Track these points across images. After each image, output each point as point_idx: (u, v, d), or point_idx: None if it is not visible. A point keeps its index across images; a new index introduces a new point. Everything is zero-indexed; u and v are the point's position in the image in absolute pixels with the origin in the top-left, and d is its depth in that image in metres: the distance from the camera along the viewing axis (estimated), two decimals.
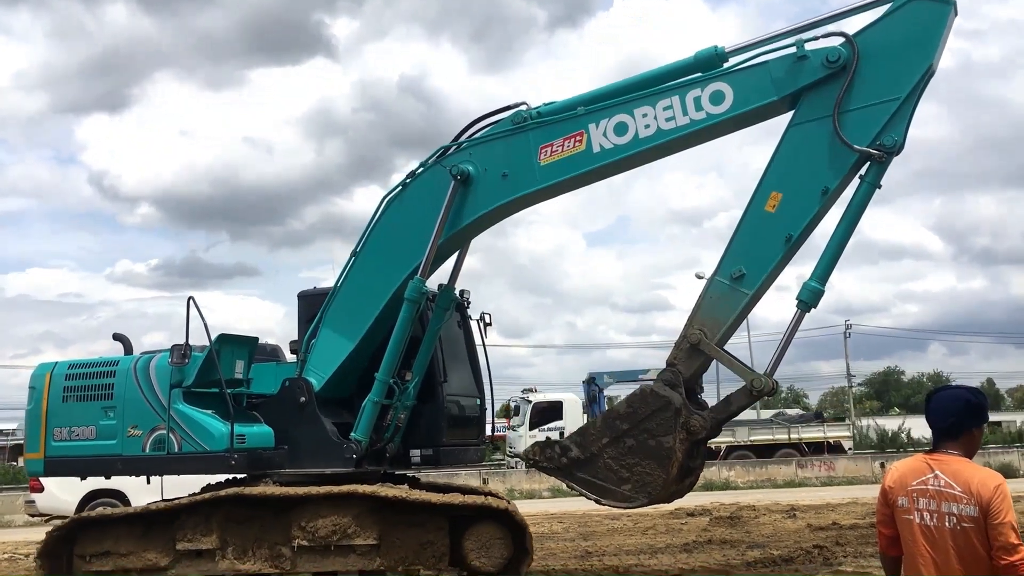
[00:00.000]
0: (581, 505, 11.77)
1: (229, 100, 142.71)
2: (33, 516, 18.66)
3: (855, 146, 8.12)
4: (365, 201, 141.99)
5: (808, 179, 8.35)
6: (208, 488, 9.84)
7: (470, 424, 10.92)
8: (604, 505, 8.64)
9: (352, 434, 9.56)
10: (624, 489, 8.32)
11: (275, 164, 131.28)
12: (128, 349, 10.58)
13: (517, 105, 9.67)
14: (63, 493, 16.96)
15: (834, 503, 17.81)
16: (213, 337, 9.47)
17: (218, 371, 9.37)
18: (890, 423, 44.44)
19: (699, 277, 50.35)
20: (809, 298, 8.36)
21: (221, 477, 10.98)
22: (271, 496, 8.82)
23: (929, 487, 3.73)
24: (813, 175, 8.33)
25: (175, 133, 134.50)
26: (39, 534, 17.69)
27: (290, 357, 11.29)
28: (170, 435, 9.37)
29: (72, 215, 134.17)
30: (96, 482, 16.33)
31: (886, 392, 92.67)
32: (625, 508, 8.88)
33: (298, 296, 11.01)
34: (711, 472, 30.82)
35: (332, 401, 9.98)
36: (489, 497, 9.59)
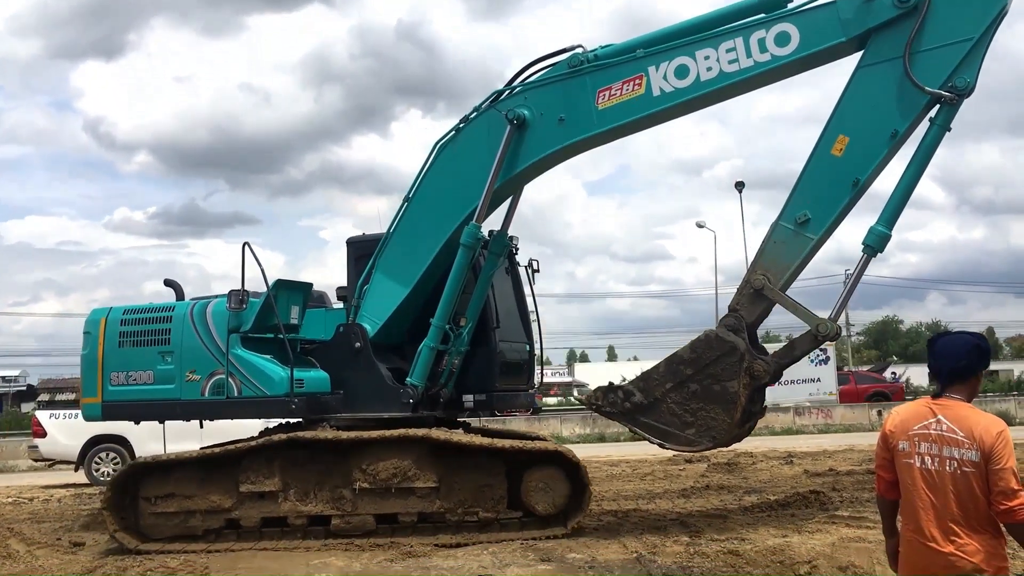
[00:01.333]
0: (582, 451, 11.85)
1: (226, 47, 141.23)
2: (36, 461, 18.89)
3: (926, 88, 7.99)
4: (363, 149, 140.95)
5: (877, 122, 8.23)
6: (265, 432, 9.94)
7: (520, 370, 10.95)
8: (668, 448, 8.69)
9: (408, 379, 9.61)
10: (688, 433, 8.36)
11: (273, 111, 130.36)
12: (180, 295, 10.61)
13: (572, 48, 9.53)
14: (65, 438, 17.25)
15: (831, 450, 17.87)
16: (270, 283, 9.48)
17: (276, 316, 9.40)
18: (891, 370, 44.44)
19: (700, 226, 50.48)
20: (876, 242, 8.31)
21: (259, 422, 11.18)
22: (334, 440, 8.87)
23: (931, 431, 3.74)
24: (882, 118, 8.21)
25: (171, 80, 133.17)
26: (43, 478, 18.23)
27: (336, 304, 11.34)
28: (229, 380, 9.43)
29: (70, 162, 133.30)
30: (98, 428, 16.62)
31: (884, 341, 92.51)
32: (689, 451, 8.93)
33: (347, 242, 11.00)
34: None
35: (384, 347, 10.02)
36: (546, 442, 9.65)
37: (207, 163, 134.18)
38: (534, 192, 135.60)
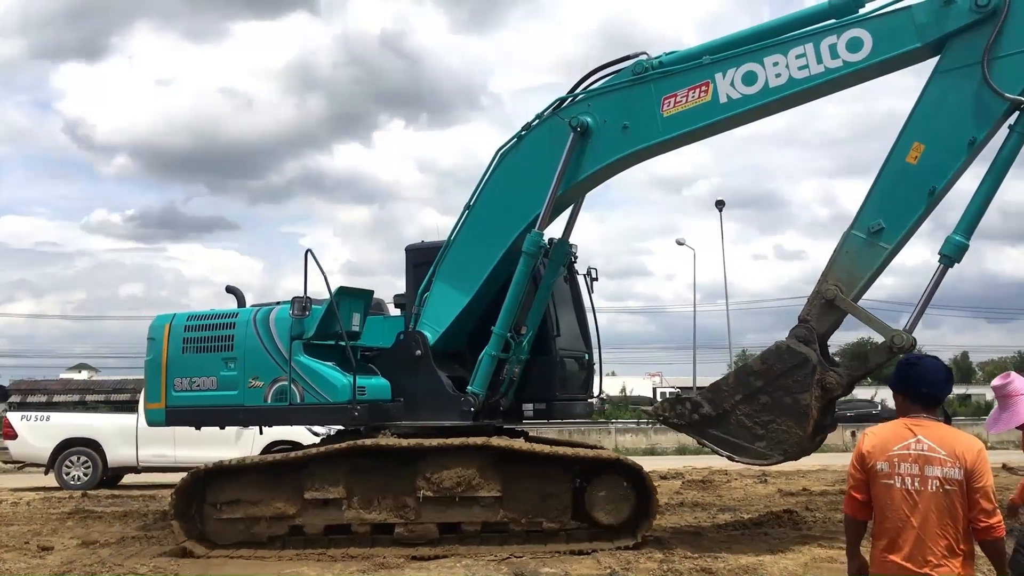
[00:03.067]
0: None
1: (209, 52, 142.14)
2: (7, 464, 18.98)
3: (1006, 94, 7.80)
4: (345, 157, 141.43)
5: (953, 129, 8.05)
6: (328, 440, 9.98)
7: (579, 379, 10.87)
8: (737, 462, 8.57)
9: (469, 387, 9.56)
10: (758, 446, 8.23)
11: (255, 117, 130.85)
12: (241, 301, 10.70)
13: (636, 55, 9.46)
14: (36, 441, 17.21)
15: (804, 470, 17.55)
16: (333, 290, 9.51)
17: (339, 323, 9.42)
18: (861, 393, 43.89)
19: (680, 244, 50.12)
20: (953, 252, 8.13)
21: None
22: (400, 447, 8.86)
23: (912, 451, 3.73)
24: (959, 125, 8.03)
25: (153, 83, 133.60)
26: (12, 481, 18.08)
27: (394, 311, 11.34)
28: (292, 386, 9.46)
29: (48, 163, 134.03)
30: (70, 431, 17.05)
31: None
32: (760, 465, 8.80)
33: (406, 249, 10.98)
34: (684, 437, 30.40)
35: (444, 354, 9.99)
36: (613, 452, 9.57)
37: (187, 167, 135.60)
38: None
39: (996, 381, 4.62)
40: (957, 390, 61.79)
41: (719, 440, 8.39)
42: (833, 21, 8.57)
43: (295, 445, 15.96)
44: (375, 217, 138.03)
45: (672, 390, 57.24)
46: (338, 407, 9.24)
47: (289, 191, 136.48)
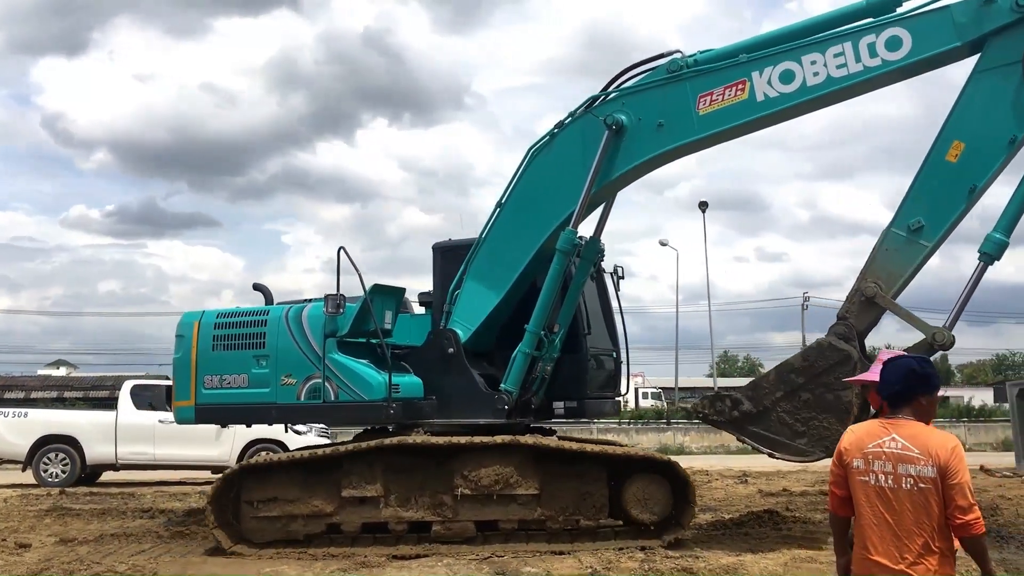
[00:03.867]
0: None
1: (191, 48, 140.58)
2: None
3: None
4: (328, 155, 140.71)
5: (994, 128, 8.10)
6: (359, 438, 9.95)
7: (608, 377, 10.89)
8: (777, 458, 8.59)
9: (502, 385, 9.55)
10: (799, 443, 8.26)
11: (236, 114, 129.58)
12: (269, 299, 10.65)
13: (670, 54, 9.47)
14: (14, 437, 17.13)
15: (785, 470, 17.68)
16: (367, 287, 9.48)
17: (373, 321, 9.40)
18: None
19: (663, 244, 50.19)
20: (993, 250, 8.17)
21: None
22: (433, 445, 8.85)
23: (885, 449, 3.76)
24: (999, 124, 8.07)
25: (134, 79, 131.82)
26: None
27: (418, 309, 11.32)
28: (326, 384, 9.43)
29: (27, 157, 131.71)
30: (48, 428, 17.00)
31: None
32: (800, 461, 8.82)
33: (433, 248, 10.94)
34: (667, 437, 31.06)
35: (474, 353, 9.98)
36: (650, 450, 9.59)
37: (168, 163, 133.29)
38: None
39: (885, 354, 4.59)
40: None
41: (759, 437, 8.42)
42: (871, 20, 8.61)
43: (277, 444, 16.15)
44: (357, 215, 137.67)
45: (654, 391, 57.37)
46: (374, 405, 9.22)
47: (271, 188, 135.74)
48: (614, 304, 11.16)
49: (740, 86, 8.96)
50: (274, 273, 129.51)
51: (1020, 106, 8.01)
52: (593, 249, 10.27)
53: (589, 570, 7.95)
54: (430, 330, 10.16)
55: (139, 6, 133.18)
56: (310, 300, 10.09)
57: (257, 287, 10.87)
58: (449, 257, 10.53)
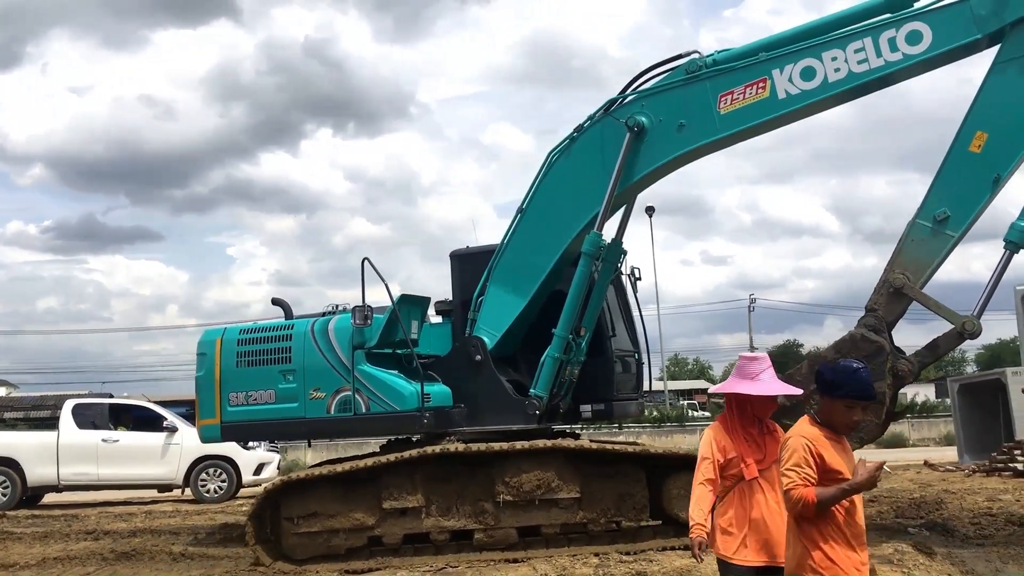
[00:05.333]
0: None
1: (128, 60, 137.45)
2: None
3: None
4: (272, 166, 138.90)
5: (1017, 118, 8.18)
6: (387, 449, 9.90)
7: (631, 379, 10.92)
8: None
9: (532, 390, 9.54)
10: None
11: (177, 126, 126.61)
12: (288, 314, 10.57)
13: (687, 54, 9.53)
14: None
15: None
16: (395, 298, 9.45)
17: (403, 331, 9.37)
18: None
19: None
20: (1019, 238, 8.25)
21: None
22: (476, 453, 8.82)
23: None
24: (1021, 113, 8.17)
25: (71, 92, 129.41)
26: None
27: (435, 318, 11.27)
28: (356, 396, 9.38)
29: None
30: None
31: (785, 365, 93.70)
32: None
33: (451, 256, 10.92)
34: (621, 439, 31.03)
35: (498, 359, 9.96)
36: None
37: (106, 177, 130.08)
38: (444, 211, 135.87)
39: (748, 354, 4.74)
40: None
41: None
42: (890, 15, 8.70)
43: (226, 461, 16.15)
44: (303, 226, 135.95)
45: None
46: (407, 416, 9.19)
47: (214, 201, 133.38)
48: (633, 305, 11.22)
49: (761, 84, 9.02)
50: (220, 286, 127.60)
51: None
52: (616, 252, 10.30)
53: None
54: (455, 338, 10.14)
55: (74, 18, 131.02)
56: (331, 312, 10.03)
57: (276, 302, 10.78)
58: (467, 264, 10.52)
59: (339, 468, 9.03)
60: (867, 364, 7.96)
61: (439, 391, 9.56)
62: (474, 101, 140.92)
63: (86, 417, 16.82)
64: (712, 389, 5.10)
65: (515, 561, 8.60)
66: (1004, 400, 15.12)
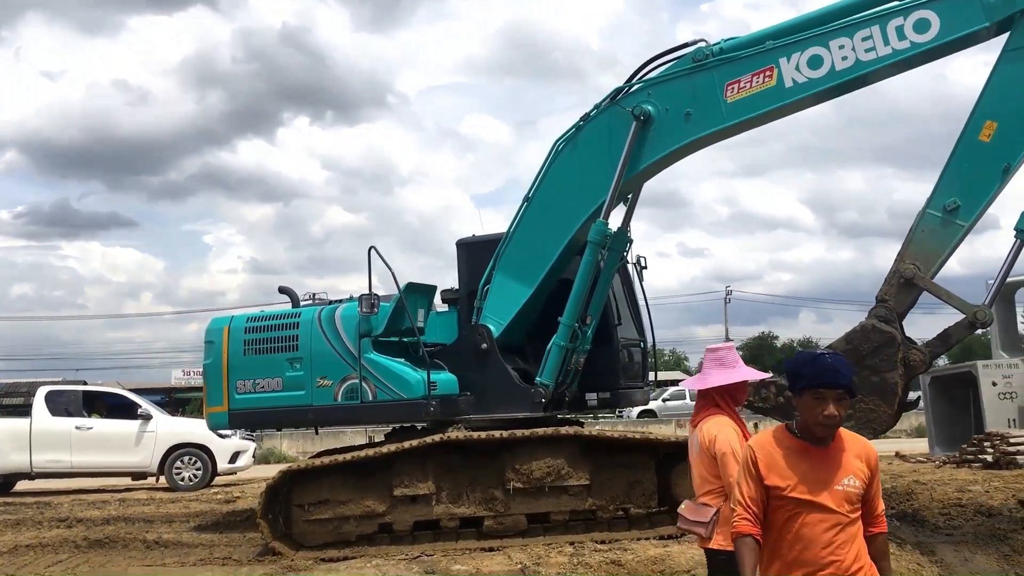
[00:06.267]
0: None
1: (103, 45, 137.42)
2: None
3: None
4: (249, 154, 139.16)
5: None
6: (393, 436, 9.95)
7: (637, 367, 10.94)
8: None
9: (538, 378, 9.57)
10: (847, 426, 8.24)
11: (152, 113, 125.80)
12: (295, 302, 10.61)
13: (694, 43, 9.49)
14: None
15: None
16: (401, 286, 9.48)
17: (409, 319, 9.41)
18: None
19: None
20: None
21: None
22: (488, 440, 8.87)
23: None
24: None
25: (44, 76, 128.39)
26: None
27: (441, 306, 11.30)
28: (363, 384, 9.43)
29: None
30: None
31: (760, 356, 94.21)
32: None
33: (457, 244, 10.94)
34: (598, 429, 30.89)
35: (504, 347, 9.99)
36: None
37: (81, 163, 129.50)
38: (421, 202, 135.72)
39: (714, 346, 4.74)
40: None
41: None
42: (897, 3, 8.65)
43: (201, 449, 16.13)
44: (280, 215, 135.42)
45: None
46: (413, 403, 9.23)
47: (190, 188, 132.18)
48: (639, 294, 11.24)
49: (768, 73, 8.98)
50: (195, 274, 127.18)
51: None
52: (622, 240, 10.29)
53: (519, 565, 8.03)
54: (461, 326, 10.17)
55: (49, 3, 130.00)
56: (339, 300, 10.08)
57: (283, 290, 10.82)
58: (473, 253, 10.54)
59: (350, 456, 9.07)
60: (879, 354, 8.04)
61: (445, 379, 9.59)
62: (452, 91, 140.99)
63: (59, 404, 16.67)
64: (691, 385, 4.88)
65: (491, 550, 8.66)
66: (975, 393, 15.12)
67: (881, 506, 3.58)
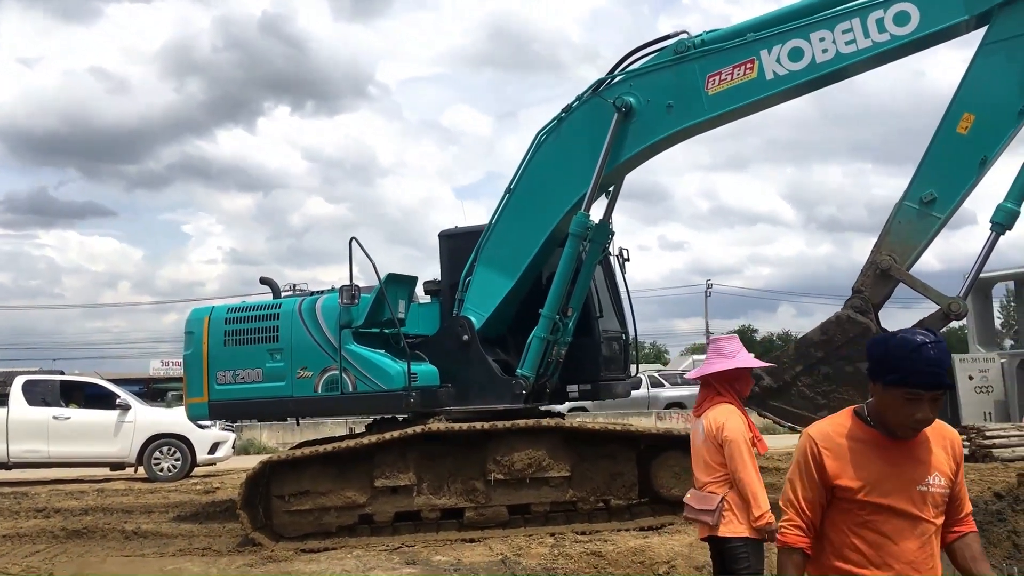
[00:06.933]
0: None
1: (80, 32, 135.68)
2: None
3: None
4: (228, 144, 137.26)
5: (1003, 100, 8.17)
6: (373, 427, 9.93)
7: (619, 359, 10.96)
8: (800, 432, 8.64)
9: (519, 370, 9.57)
10: (821, 415, 8.27)
11: (130, 100, 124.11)
12: (276, 292, 10.58)
13: (676, 35, 9.50)
14: None
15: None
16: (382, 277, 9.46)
17: (390, 311, 9.39)
18: None
19: None
20: (1005, 220, 8.27)
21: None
22: (470, 431, 8.89)
23: None
24: (1008, 95, 8.16)
25: (20, 63, 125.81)
26: None
27: (424, 298, 11.28)
28: (343, 375, 9.40)
29: None
30: None
31: None
32: None
33: (439, 235, 10.93)
34: (579, 420, 30.74)
35: (486, 339, 9.99)
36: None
37: (58, 150, 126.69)
38: (402, 193, 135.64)
39: (717, 336, 4.92)
40: None
41: (781, 412, 8.51)
42: None
43: (180, 439, 15.98)
44: (260, 205, 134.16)
45: None
46: (393, 394, 9.21)
47: (168, 177, 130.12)
48: (621, 286, 11.25)
49: (749, 65, 9.00)
50: (174, 264, 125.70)
51: None
52: (603, 232, 10.30)
53: (500, 556, 8.06)
54: (443, 318, 10.16)
55: None
56: (321, 292, 10.05)
57: (264, 281, 10.80)
58: (456, 244, 10.52)
59: (331, 447, 9.03)
60: (853, 345, 8.07)
61: (426, 370, 9.58)
62: (433, 82, 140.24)
63: (36, 394, 16.46)
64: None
65: (471, 541, 8.66)
66: (951, 387, 15.27)
67: (968, 505, 2.96)
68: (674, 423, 25.90)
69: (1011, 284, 18.11)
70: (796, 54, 8.81)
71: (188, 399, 10.31)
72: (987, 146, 8.23)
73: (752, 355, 4.88)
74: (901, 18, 8.47)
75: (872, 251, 8.59)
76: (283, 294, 10.40)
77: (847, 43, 8.65)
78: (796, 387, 8.45)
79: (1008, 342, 17.35)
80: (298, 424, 13.49)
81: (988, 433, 13.24)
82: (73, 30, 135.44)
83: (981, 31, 8.42)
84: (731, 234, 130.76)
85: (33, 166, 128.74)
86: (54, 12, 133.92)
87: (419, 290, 11.20)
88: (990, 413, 14.68)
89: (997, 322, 22.40)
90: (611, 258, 11.18)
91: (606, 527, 8.89)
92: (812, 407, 8.36)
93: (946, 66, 59.93)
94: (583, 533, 8.73)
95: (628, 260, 11.30)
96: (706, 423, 4.67)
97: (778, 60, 8.86)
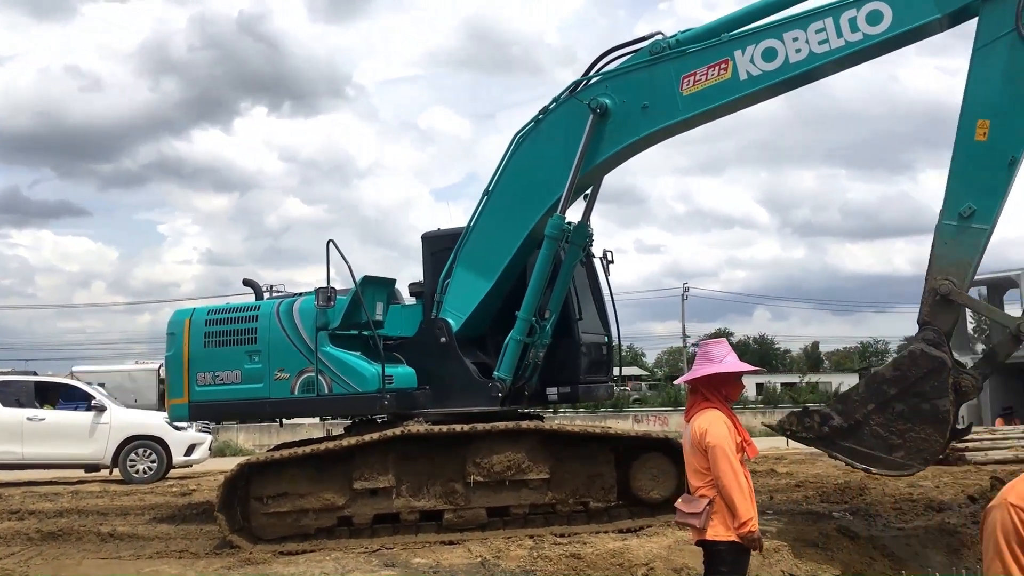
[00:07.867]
0: None
1: (54, 30, 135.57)
2: None
3: None
4: (204, 143, 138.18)
5: (1014, 97, 7.89)
6: (352, 430, 9.96)
7: (600, 362, 10.91)
8: (874, 474, 8.40)
9: (495, 373, 9.56)
10: (896, 456, 7.88)
11: (105, 99, 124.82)
12: (259, 294, 10.64)
13: (652, 36, 9.47)
14: None
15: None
16: (358, 279, 9.49)
17: (365, 313, 9.41)
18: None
19: None
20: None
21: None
22: (449, 433, 8.90)
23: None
24: (1017, 92, 7.89)
25: None
26: None
27: (408, 299, 11.29)
28: (319, 377, 9.43)
29: None
30: None
31: None
32: (898, 476, 8.51)
33: (422, 237, 10.92)
34: (558, 423, 30.51)
35: (465, 341, 9.98)
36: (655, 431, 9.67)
37: (31, 149, 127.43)
38: (379, 194, 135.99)
39: (705, 341, 4.93)
40: (810, 379, 64.40)
41: (853, 452, 8.06)
42: None
43: (156, 441, 15.92)
44: (236, 206, 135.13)
45: None
46: (368, 396, 9.23)
47: (143, 177, 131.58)
48: (604, 289, 11.20)
49: (723, 65, 8.94)
50: (149, 264, 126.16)
51: None
52: (582, 234, 10.26)
53: (479, 559, 8.04)
54: (422, 320, 10.17)
55: None
56: (300, 294, 10.10)
57: (247, 283, 10.86)
58: (438, 246, 10.52)
59: (309, 449, 9.05)
60: (929, 381, 7.76)
61: (403, 372, 9.60)
62: (411, 83, 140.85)
63: (10, 394, 16.33)
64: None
65: (451, 543, 8.65)
66: None
67: None
68: (651, 426, 25.89)
69: (983, 289, 17.91)
70: (770, 54, 8.74)
71: (169, 400, 10.39)
72: (1012, 146, 7.91)
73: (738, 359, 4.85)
74: (874, 17, 8.38)
75: (926, 280, 8.13)
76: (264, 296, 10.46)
77: (820, 43, 8.56)
78: (868, 426, 7.98)
79: (980, 347, 17.12)
80: (281, 425, 13.54)
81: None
82: (48, 28, 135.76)
83: (952, 31, 8.35)
84: (707, 237, 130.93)
85: (5, 164, 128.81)
86: (29, 10, 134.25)
87: (404, 292, 11.28)
88: (963, 417, 14.48)
89: (970, 327, 22.20)
90: (595, 260, 11.15)
91: (585, 529, 8.88)
92: (886, 447, 7.93)
93: (919, 71, 59.62)
94: (562, 535, 8.71)
95: (612, 262, 11.25)
96: (692, 430, 4.72)
97: (752, 60, 8.79)
